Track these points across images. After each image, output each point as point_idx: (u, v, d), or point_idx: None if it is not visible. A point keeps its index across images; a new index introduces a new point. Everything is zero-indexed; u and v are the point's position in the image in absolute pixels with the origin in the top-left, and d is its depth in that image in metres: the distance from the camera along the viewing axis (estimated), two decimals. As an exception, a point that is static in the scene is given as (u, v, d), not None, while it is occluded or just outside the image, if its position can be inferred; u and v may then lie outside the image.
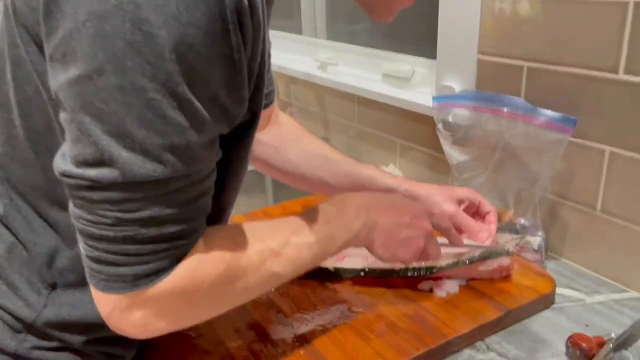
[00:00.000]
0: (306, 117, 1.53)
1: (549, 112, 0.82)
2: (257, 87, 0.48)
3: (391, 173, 0.84)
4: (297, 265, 0.56)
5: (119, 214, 0.40)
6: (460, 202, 0.80)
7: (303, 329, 0.69)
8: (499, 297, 0.75)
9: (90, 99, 0.38)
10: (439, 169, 1.10)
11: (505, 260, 0.78)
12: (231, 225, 0.55)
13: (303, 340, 0.67)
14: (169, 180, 0.41)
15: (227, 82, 0.41)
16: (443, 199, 0.79)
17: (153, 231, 0.42)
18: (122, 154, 0.39)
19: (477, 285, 0.78)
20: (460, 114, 0.95)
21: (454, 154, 0.97)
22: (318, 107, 1.46)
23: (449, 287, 0.77)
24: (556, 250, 0.91)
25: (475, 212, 0.82)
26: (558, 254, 0.91)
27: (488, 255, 0.77)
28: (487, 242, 0.79)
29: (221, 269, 0.48)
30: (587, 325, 0.73)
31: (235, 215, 1.02)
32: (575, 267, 0.88)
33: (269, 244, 0.53)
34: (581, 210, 0.85)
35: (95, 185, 0.40)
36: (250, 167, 0.63)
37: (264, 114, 0.67)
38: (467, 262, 0.76)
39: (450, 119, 0.96)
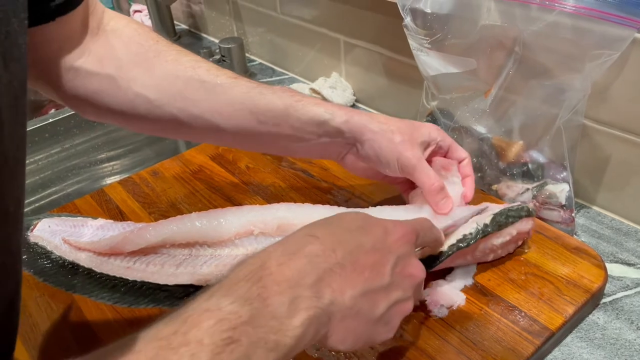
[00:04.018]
0: (210, 5, 1.11)
1: (600, -9, 0.49)
2: None
3: (315, 97, 0.51)
4: None
5: None
6: (424, 145, 0.51)
7: None
8: (527, 304, 0.48)
9: None
10: (406, 79, 0.76)
11: (525, 225, 0.51)
12: None
13: None
14: None
15: None
16: (404, 141, 0.49)
17: None
18: None
19: (489, 283, 0.50)
20: (439, -2, 0.60)
21: (430, 62, 0.64)
22: (224, -10, 1.05)
23: (451, 297, 0.49)
24: (584, 195, 0.63)
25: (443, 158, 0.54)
26: (588, 200, 0.63)
27: (504, 220, 0.49)
28: (455, 213, 0.50)
29: None
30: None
31: (110, 182, 0.66)
32: (617, 221, 0.61)
33: None
34: (631, 140, 0.56)
35: None
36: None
37: (65, 22, 0.43)
38: (480, 234, 0.48)
39: (423, 6, 0.61)
